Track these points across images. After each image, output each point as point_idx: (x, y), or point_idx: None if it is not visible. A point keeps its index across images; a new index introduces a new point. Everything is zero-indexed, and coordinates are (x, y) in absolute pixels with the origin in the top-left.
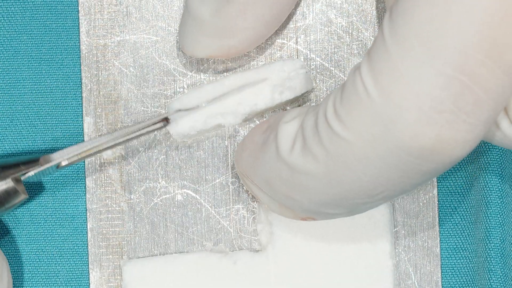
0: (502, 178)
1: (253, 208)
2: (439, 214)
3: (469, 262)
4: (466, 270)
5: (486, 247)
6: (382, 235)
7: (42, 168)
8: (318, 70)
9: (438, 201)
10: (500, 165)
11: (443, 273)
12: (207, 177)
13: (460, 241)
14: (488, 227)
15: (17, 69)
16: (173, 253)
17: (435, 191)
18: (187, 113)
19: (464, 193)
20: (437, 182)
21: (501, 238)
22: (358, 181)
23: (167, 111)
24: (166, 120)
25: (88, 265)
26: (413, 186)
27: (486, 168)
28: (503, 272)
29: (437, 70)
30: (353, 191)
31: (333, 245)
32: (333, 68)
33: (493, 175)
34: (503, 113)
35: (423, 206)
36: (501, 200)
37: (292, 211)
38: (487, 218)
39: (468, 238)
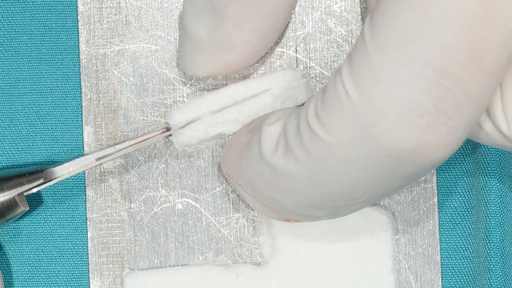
0: (501, 178)
1: (253, 216)
2: (439, 220)
3: (470, 262)
4: (467, 271)
5: (486, 246)
6: (384, 250)
7: (45, 185)
8: (318, 79)
9: (438, 207)
10: (499, 165)
11: (443, 273)
12: (207, 186)
13: (460, 241)
14: (488, 227)
15: (17, 70)
16: (175, 265)
17: (435, 199)
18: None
19: (464, 194)
20: (437, 189)
21: (500, 238)
22: (340, 183)
23: (167, 120)
24: (168, 131)
25: (88, 274)
26: (395, 188)
27: (485, 169)
28: (503, 271)
29: (417, 73)
30: (335, 193)
31: (335, 260)
32: None
33: (492, 176)
34: (485, 115)
35: (423, 214)
36: (500, 200)
37: (276, 212)
38: (487, 218)
39: (468, 238)
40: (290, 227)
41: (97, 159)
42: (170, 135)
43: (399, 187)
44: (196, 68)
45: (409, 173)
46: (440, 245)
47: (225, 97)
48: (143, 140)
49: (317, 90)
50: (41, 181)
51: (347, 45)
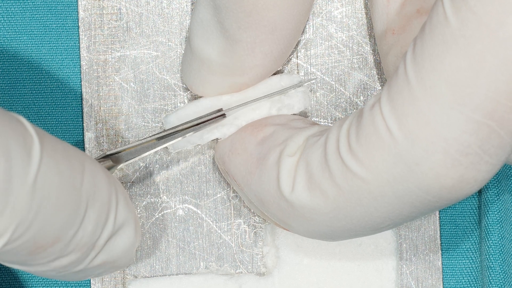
0: (497, 176)
1: (255, 222)
2: (440, 225)
3: (472, 268)
4: (468, 276)
5: (485, 244)
6: (387, 263)
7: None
8: (319, 85)
9: (439, 212)
10: None
11: (444, 279)
12: (208, 191)
13: (462, 247)
14: (487, 225)
15: (17, 71)
16: (176, 271)
17: None
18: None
19: (465, 199)
20: None
21: (499, 235)
22: (368, 216)
23: (163, 125)
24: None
25: (90, 280)
26: (417, 218)
27: None
28: (502, 269)
29: (467, 116)
30: (359, 225)
31: (339, 271)
32: (333, 82)
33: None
34: None
35: (424, 220)
36: (497, 197)
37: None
38: (485, 216)
39: (470, 244)
40: (294, 238)
41: (158, 139)
42: (223, 115)
43: (423, 216)
44: (205, 88)
45: (439, 206)
46: (441, 251)
47: (221, 102)
48: (197, 124)
49: (317, 95)
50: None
51: (348, 50)
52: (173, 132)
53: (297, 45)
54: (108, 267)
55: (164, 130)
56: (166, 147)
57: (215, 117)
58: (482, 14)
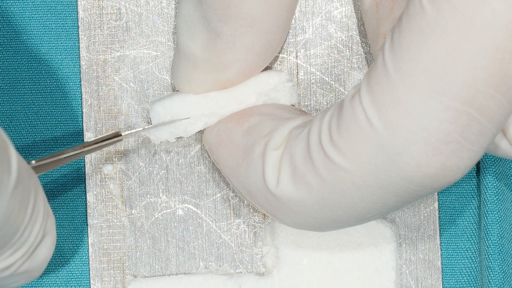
0: (497, 175)
1: (254, 222)
2: (440, 225)
3: (471, 268)
4: (468, 276)
5: (485, 244)
6: (387, 263)
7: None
8: (318, 84)
9: (439, 212)
10: (494, 163)
11: (444, 279)
12: (207, 191)
13: (461, 247)
14: (486, 225)
15: (17, 71)
16: (176, 271)
17: (436, 204)
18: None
19: (465, 199)
20: (438, 194)
21: (499, 235)
22: (354, 207)
23: (149, 111)
24: (118, 135)
25: (89, 280)
26: (402, 208)
27: (482, 167)
28: (502, 268)
29: (446, 105)
30: (345, 215)
31: (338, 271)
32: (333, 82)
33: (489, 173)
34: (501, 134)
35: (424, 220)
36: (497, 197)
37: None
38: (485, 216)
39: (470, 244)
40: (294, 238)
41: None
42: (120, 135)
43: (407, 206)
44: (191, 85)
45: (424, 195)
46: (441, 250)
47: (209, 99)
48: (95, 142)
49: (317, 95)
50: None
51: (347, 50)
52: (74, 154)
53: (296, 45)
54: (24, 276)
55: (64, 151)
56: (149, 138)
57: (112, 137)
58: (457, 2)
